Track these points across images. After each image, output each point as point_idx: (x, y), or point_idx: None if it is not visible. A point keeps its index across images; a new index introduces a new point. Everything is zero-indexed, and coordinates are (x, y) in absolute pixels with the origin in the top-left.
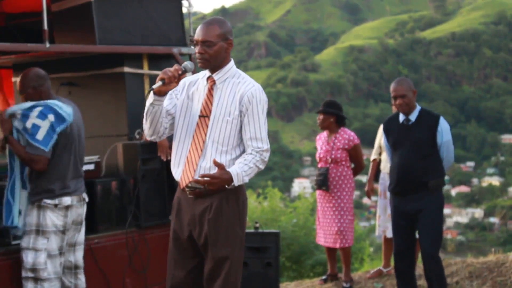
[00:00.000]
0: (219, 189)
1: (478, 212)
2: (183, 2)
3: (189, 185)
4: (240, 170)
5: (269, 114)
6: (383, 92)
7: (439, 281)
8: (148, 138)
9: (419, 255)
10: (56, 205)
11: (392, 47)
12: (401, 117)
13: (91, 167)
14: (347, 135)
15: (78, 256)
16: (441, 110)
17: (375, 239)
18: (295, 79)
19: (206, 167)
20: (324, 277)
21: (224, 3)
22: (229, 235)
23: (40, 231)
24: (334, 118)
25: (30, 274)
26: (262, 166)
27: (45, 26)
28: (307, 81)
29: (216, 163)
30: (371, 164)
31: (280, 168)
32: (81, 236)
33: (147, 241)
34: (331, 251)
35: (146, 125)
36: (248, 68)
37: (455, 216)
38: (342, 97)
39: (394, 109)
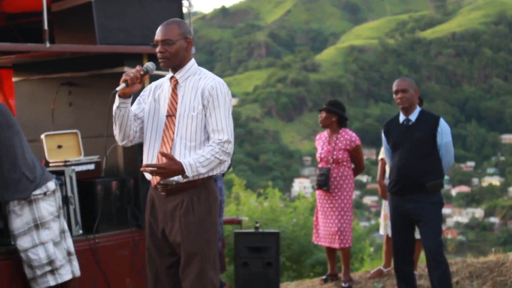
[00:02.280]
0: (168, 176)
1: (478, 212)
2: (183, 2)
3: (161, 182)
4: (194, 161)
5: (269, 114)
6: (384, 92)
7: (443, 281)
8: (120, 144)
9: (420, 255)
10: (45, 193)
11: (392, 47)
12: (401, 118)
13: (91, 167)
14: (348, 135)
15: (69, 243)
16: (441, 110)
17: (375, 239)
18: (295, 79)
19: None
20: (324, 277)
21: (224, 3)
22: (200, 231)
23: (39, 224)
24: (336, 118)
25: (48, 268)
26: (224, 158)
27: (45, 26)
28: (307, 81)
29: (163, 154)
30: (380, 163)
31: (280, 168)
32: (65, 222)
33: None
34: (331, 251)
35: (116, 130)
36: (248, 68)
37: (455, 216)
38: (343, 97)
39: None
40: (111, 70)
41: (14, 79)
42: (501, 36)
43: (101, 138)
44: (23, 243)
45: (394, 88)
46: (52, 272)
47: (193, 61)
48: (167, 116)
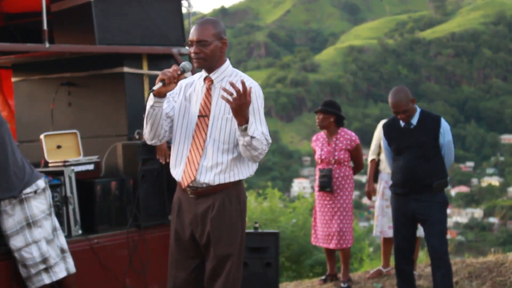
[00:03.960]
0: (237, 109)
1: (478, 212)
2: (182, 2)
3: (190, 184)
4: (254, 127)
5: (268, 114)
6: (383, 92)
7: (445, 280)
8: (149, 143)
9: (419, 255)
10: (35, 191)
11: (392, 47)
12: (402, 121)
13: (90, 167)
14: (348, 135)
15: (62, 240)
16: (441, 110)
17: (374, 239)
18: (295, 79)
19: (208, 166)
20: (323, 277)
21: (223, 3)
22: (232, 233)
23: (31, 223)
24: (334, 118)
25: (42, 266)
26: (264, 150)
27: (45, 26)
28: (306, 81)
29: (243, 83)
30: (370, 164)
31: (279, 168)
32: (56, 220)
33: (147, 241)
34: (330, 251)
35: (146, 129)
36: (247, 68)
37: (455, 216)
38: (342, 97)
39: None
40: (110, 70)
41: (13, 79)
42: (501, 36)
43: (100, 138)
44: (16, 242)
45: (392, 108)
46: (47, 270)
47: (228, 62)
48: (199, 117)
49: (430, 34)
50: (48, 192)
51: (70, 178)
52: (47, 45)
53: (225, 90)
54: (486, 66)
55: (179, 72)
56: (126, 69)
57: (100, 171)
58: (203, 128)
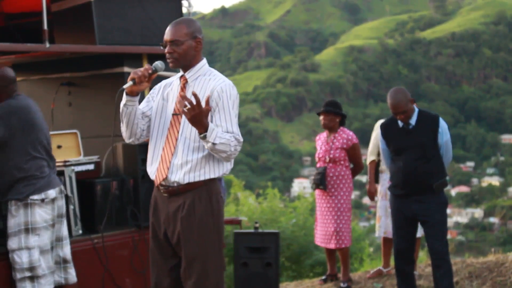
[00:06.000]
0: (192, 120)
1: (478, 212)
2: (183, 2)
3: (163, 183)
4: (217, 131)
5: (268, 114)
6: (383, 92)
7: (446, 279)
8: (127, 141)
9: (419, 255)
10: (43, 200)
11: (392, 47)
12: (401, 122)
13: (91, 167)
14: (345, 134)
15: (66, 251)
16: (441, 110)
17: (375, 239)
18: (295, 79)
19: (178, 164)
20: (323, 277)
21: (224, 3)
22: (202, 233)
23: (29, 229)
24: (340, 119)
25: (27, 274)
26: (234, 151)
27: (45, 26)
28: (307, 81)
29: (195, 95)
30: (369, 165)
31: (280, 168)
32: (65, 230)
33: (147, 241)
34: (330, 251)
35: (123, 127)
36: (248, 68)
37: (455, 216)
38: (342, 97)
39: None
40: (110, 70)
41: None
42: (501, 36)
43: (101, 138)
44: (12, 243)
45: (391, 109)
46: (32, 279)
47: (204, 61)
48: (173, 115)
49: (430, 34)
50: (59, 203)
51: (70, 178)
52: (47, 45)
53: (179, 102)
54: (486, 66)
55: (150, 71)
56: (126, 69)
57: (100, 171)
58: (176, 127)
